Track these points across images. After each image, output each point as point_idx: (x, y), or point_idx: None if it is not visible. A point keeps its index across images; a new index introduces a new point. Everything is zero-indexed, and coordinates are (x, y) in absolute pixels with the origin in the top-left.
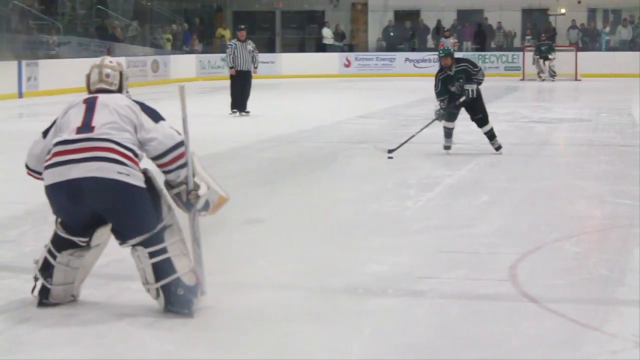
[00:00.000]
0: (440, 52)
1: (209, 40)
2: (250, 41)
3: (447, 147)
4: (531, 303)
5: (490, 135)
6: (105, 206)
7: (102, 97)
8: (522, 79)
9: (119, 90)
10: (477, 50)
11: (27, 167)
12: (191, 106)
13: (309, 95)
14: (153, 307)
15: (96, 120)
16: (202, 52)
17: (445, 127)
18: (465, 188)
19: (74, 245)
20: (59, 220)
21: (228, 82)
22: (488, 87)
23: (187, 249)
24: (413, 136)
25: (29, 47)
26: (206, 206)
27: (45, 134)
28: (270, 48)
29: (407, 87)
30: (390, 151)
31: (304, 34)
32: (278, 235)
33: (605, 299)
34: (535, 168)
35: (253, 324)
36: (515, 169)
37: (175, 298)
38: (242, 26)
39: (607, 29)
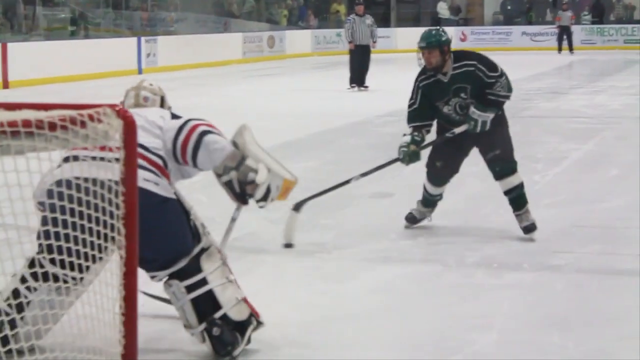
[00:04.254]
0: (420, 41)
1: (324, 16)
2: (368, 15)
3: (411, 219)
4: None
5: (517, 198)
6: None
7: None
8: None
9: None
10: (595, 23)
11: None
12: (307, 81)
13: None
14: (290, 280)
15: None
16: (317, 28)
17: (426, 192)
18: (594, 162)
19: (57, 279)
20: (44, 243)
21: (343, 58)
22: (608, 61)
23: (232, 273)
24: (328, 191)
25: (148, 23)
26: (267, 195)
27: None
28: (385, 23)
29: (525, 61)
30: (296, 207)
31: (419, 8)
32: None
33: None
34: None
35: (387, 298)
36: None
37: (214, 341)
38: (360, 0)
39: None
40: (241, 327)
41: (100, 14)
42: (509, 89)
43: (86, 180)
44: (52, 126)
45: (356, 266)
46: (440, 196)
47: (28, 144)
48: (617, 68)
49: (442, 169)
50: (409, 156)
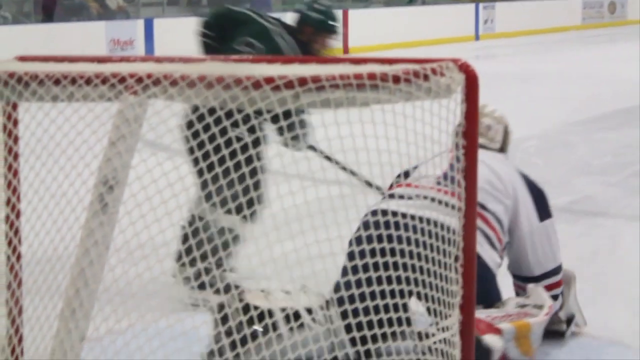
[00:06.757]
0: None
1: None
2: None
3: None
4: None
5: None
6: None
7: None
8: None
9: (501, 150)
10: None
11: None
12: None
13: None
14: (628, 246)
15: None
16: None
17: None
18: None
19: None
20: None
21: None
22: None
23: None
24: None
25: None
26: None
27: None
28: None
29: None
30: None
31: None
32: None
33: None
34: None
35: None
36: None
37: None
38: None
39: None
40: None
41: None
42: None
43: (413, 218)
44: (396, 79)
45: None
46: None
47: (373, 96)
48: None
49: None
50: None
